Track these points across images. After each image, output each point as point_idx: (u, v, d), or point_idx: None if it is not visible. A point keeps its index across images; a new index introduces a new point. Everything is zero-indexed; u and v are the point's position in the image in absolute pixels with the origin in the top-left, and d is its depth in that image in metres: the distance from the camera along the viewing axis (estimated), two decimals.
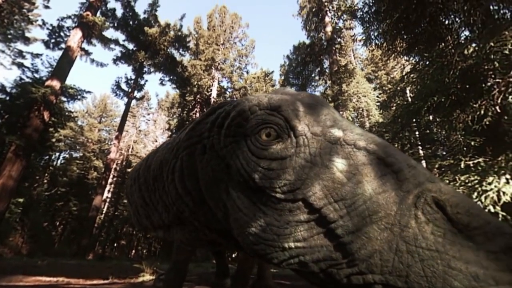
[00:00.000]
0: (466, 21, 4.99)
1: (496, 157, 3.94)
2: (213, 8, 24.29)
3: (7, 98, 11.21)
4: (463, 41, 5.06)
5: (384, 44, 6.90)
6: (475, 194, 3.42)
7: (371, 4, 6.75)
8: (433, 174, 0.96)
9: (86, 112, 31.59)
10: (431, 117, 6.15)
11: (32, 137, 10.01)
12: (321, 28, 18.20)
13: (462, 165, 4.03)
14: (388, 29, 6.32)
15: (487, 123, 4.11)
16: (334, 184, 0.93)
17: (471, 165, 4.02)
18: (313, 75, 19.64)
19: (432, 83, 4.70)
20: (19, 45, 16.21)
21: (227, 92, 23.82)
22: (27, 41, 16.42)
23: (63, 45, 13.58)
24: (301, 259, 0.92)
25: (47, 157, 20.16)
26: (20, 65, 14.27)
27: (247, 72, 24.88)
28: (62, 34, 14.26)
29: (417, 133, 7.29)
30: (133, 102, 20.83)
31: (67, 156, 27.35)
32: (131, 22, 17.43)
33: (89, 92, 13.19)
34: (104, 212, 23.80)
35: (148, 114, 34.67)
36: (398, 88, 7.83)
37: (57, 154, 25.70)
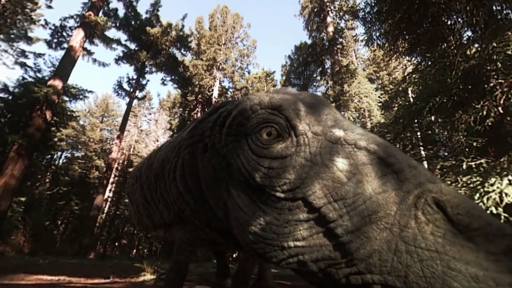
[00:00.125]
0: (468, 21, 4.97)
1: (498, 158, 3.92)
2: (214, 8, 24.36)
3: (10, 97, 11.29)
4: (465, 42, 5.04)
5: (386, 44, 6.88)
6: (477, 195, 3.41)
7: (373, 4, 6.73)
8: (434, 175, 0.95)
9: (88, 111, 31.71)
10: (433, 118, 6.13)
11: (34, 136, 10.07)
12: (322, 28, 18.18)
13: (464, 166, 4.01)
14: (390, 29, 6.31)
15: (490, 124, 4.09)
16: (334, 183, 0.93)
17: (473, 166, 4.00)
18: (314, 75, 19.62)
19: (434, 84, 4.68)
20: (22, 45, 16.34)
21: (229, 92, 23.85)
22: (29, 40, 16.52)
23: (65, 45, 13.66)
24: (300, 259, 0.92)
25: (49, 156, 20.26)
26: (22, 65, 14.36)
27: (249, 72, 24.94)
28: (64, 34, 14.35)
29: (418, 133, 7.27)
30: (135, 101, 20.90)
31: (69, 155, 27.51)
32: (133, 22, 17.49)
33: (91, 91, 13.29)
34: (105, 211, 23.90)
35: (150, 114, 34.79)
36: (400, 88, 7.82)
37: (59, 153, 25.80)
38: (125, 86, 18.97)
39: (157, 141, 31.99)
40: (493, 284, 0.67)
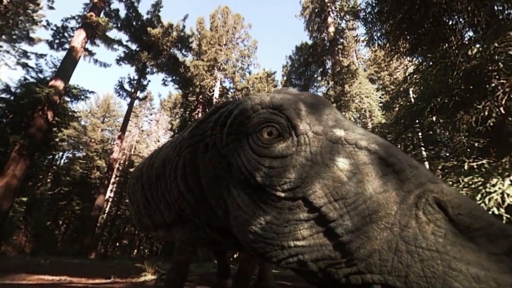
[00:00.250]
0: (470, 21, 4.95)
1: (500, 158, 3.91)
2: (215, 8, 24.40)
3: (12, 98, 11.32)
4: (467, 42, 5.02)
5: (387, 44, 6.87)
6: (479, 196, 3.39)
7: (374, 4, 6.72)
8: (435, 175, 0.95)
9: (89, 112, 31.79)
10: (434, 118, 6.11)
11: (36, 136, 10.10)
12: (323, 28, 18.18)
13: (466, 167, 3.99)
14: (391, 29, 6.30)
15: (491, 124, 4.07)
16: (334, 183, 0.92)
17: (475, 166, 3.98)
18: (315, 75, 19.61)
19: (436, 84, 4.67)
20: (24, 46, 16.43)
21: (229, 93, 23.86)
22: (31, 41, 16.58)
23: (67, 46, 13.70)
24: (300, 258, 0.92)
25: (51, 156, 20.31)
26: (24, 65, 14.41)
27: (250, 73, 24.95)
28: (66, 34, 14.39)
29: (420, 134, 7.26)
30: (136, 102, 20.93)
31: (70, 155, 27.55)
32: (134, 23, 17.54)
33: (92, 92, 13.28)
34: (106, 211, 23.92)
35: (151, 114, 34.84)
36: (401, 89, 7.81)
37: (61, 153, 25.87)
38: (126, 86, 19.03)
39: (158, 141, 32.04)
40: (494, 284, 0.66)
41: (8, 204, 9.36)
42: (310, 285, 1.02)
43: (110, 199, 25.06)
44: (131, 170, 22.22)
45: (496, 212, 3.24)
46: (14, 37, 15.87)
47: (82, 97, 12.98)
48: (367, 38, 7.25)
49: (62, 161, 26.85)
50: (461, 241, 0.74)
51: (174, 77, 19.84)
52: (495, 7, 4.91)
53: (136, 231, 25.24)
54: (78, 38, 12.45)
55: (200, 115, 20.02)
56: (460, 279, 0.69)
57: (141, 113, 33.41)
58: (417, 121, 5.89)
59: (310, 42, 19.40)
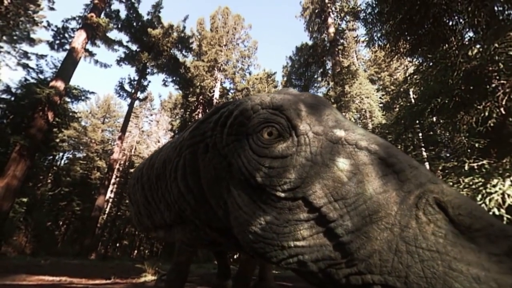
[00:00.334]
0: (470, 22, 4.95)
1: (500, 159, 3.91)
2: (216, 9, 24.44)
3: (12, 98, 11.33)
4: (467, 42, 5.02)
5: (387, 45, 6.87)
6: (479, 196, 3.39)
7: (374, 5, 6.73)
8: (435, 176, 0.95)
9: (90, 112, 31.82)
10: (434, 119, 6.11)
11: (36, 137, 10.11)
12: (323, 29, 18.20)
13: (466, 167, 3.99)
14: (391, 30, 6.30)
15: (492, 125, 4.07)
16: (334, 183, 0.92)
17: (475, 167, 3.98)
18: (315, 76, 19.62)
19: (436, 85, 4.67)
20: (24, 46, 16.49)
21: (230, 93, 23.88)
22: (32, 42, 16.62)
23: (67, 46, 13.74)
24: (300, 259, 0.92)
25: (51, 157, 20.31)
26: (25, 66, 14.45)
27: (250, 73, 24.98)
28: (66, 35, 14.42)
29: (420, 134, 7.24)
30: (136, 103, 20.94)
31: (71, 156, 27.57)
32: (134, 24, 17.57)
33: (92, 92, 13.28)
34: (106, 212, 23.93)
35: (151, 115, 34.87)
36: (401, 89, 7.80)
37: (61, 154, 25.89)
38: (127, 87, 19.05)
39: (158, 142, 32.05)
40: (495, 285, 0.66)
41: (8, 204, 9.36)
42: (310, 286, 1.01)
43: (111, 200, 25.07)
44: (132, 170, 22.22)
45: (497, 213, 3.23)
46: (15, 38, 15.92)
47: (83, 97, 12.98)
48: (367, 39, 7.26)
49: (63, 161, 26.87)
50: (462, 242, 0.74)
51: (174, 78, 19.86)
52: (495, 8, 4.91)
53: (136, 231, 25.23)
54: (79, 38, 12.48)
55: (200, 115, 20.03)
56: (461, 280, 0.68)
57: (141, 114, 33.45)
58: (417, 121, 5.89)
59: (310, 42, 19.42)
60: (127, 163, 27.97)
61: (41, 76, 12.85)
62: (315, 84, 20.27)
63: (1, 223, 9.24)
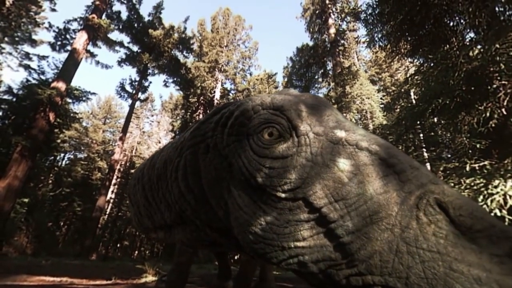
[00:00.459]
0: (471, 22, 4.95)
1: (502, 160, 3.89)
2: (217, 10, 24.52)
3: (14, 99, 11.37)
4: (468, 43, 5.02)
5: (388, 46, 6.87)
6: (481, 197, 3.38)
7: (374, 6, 6.73)
8: (436, 176, 0.95)
9: (91, 113, 31.91)
10: (435, 119, 6.10)
11: (37, 138, 10.14)
12: (324, 30, 18.21)
13: (468, 168, 3.98)
14: (392, 31, 6.30)
15: (493, 125, 4.06)
16: (335, 183, 0.92)
17: (477, 168, 3.97)
18: (316, 77, 19.61)
19: (437, 85, 4.66)
20: (26, 47, 16.53)
21: (230, 94, 23.91)
22: (33, 43, 16.69)
23: (69, 47, 13.78)
24: (300, 259, 0.91)
25: (52, 157, 20.32)
26: (26, 67, 14.50)
27: (250, 74, 25.01)
28: (68, 36, 14.47)
29: (421, 135, 7.22)
30: (137, 103, 21.00)
31: (72, 157, 27.63)
32: (135, 25, 17.62)
33: (94, 93, 13.32)
34: (107, 212, 23.96)
35: (152, 116, 34.93)
36: (402, 90, 7.80)
37: (62, 155, 25.95)
38: (128, 88, 19.10)
39: (159, 142, 32.09)
40: (496, 286, 0.65)
41: (9, 205, 9.39)
42: (310, 287, 1.01)
43: (111, 200, 25.11)
44: (132, 171, 22.26)
45: (498, 214, 3.22)
46: (16, 39, 15.99)
47: (84, 98, 13.01)
48: (368, 40, 7.27)
49: (64, 162, 26.93)
50: (463, 243, 0.73)
51: (175, 79, 19.90)
52: (496, 8, 4.91)
53: (137, 232, 25.22)
54: (80, 40, 12.52)
55: (201, 116, 20.06)
56: (462, 281, 0.68)
57: (142, 115, 33.51)
58: (418, 122, 5.88)
59: (311, 43, 19.42)
60: (128, 164, 28.02)
61: (43, 77, 12.91)
62: (316, 85, 20.27)
63: (3, 223, 9.26)
